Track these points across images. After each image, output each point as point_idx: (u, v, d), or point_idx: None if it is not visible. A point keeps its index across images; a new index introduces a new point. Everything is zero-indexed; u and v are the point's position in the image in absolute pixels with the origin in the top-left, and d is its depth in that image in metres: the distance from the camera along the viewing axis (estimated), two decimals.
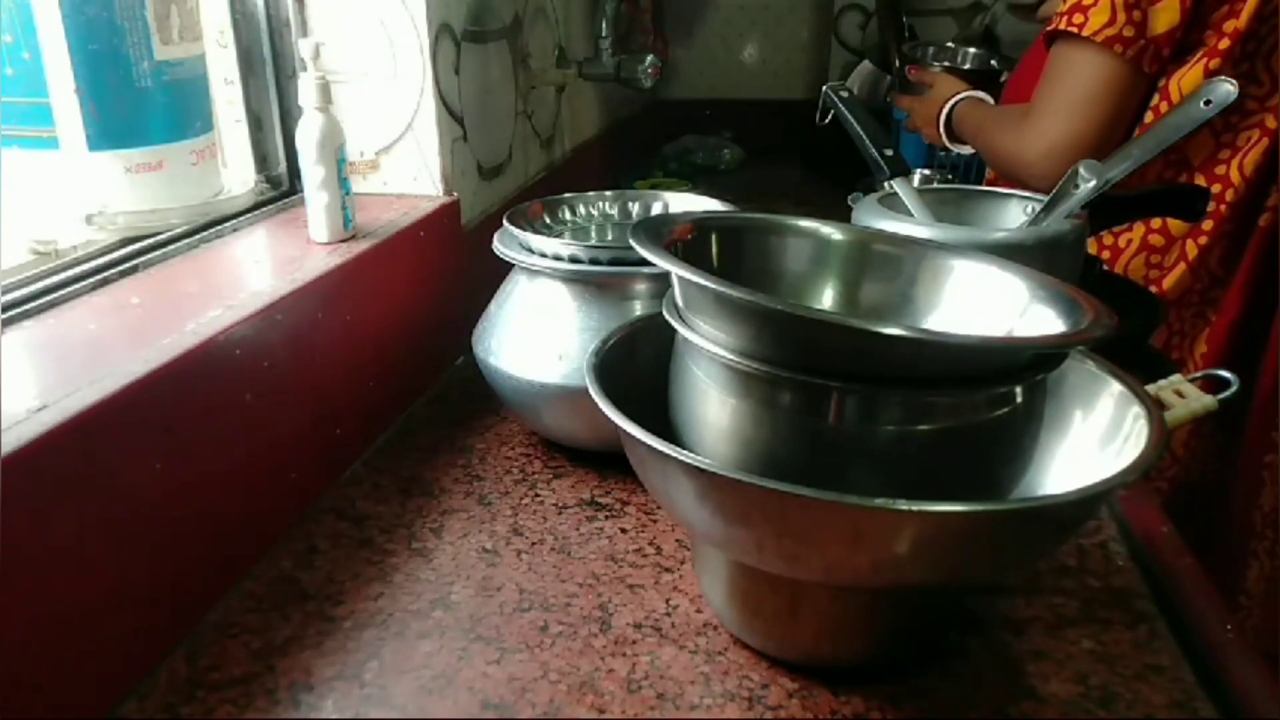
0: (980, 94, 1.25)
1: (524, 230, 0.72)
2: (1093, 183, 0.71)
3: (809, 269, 0.58)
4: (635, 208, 0.84)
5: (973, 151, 1.25)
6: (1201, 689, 0.51)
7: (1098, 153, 0.96)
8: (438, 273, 0.88)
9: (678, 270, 0.45)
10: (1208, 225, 0.99)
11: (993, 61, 1.47)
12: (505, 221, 0.75)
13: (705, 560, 0.55)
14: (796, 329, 0.43)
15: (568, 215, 0.83)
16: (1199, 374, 0.65)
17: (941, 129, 1.26)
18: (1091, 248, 1.07)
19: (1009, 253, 0.56)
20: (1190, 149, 1.00)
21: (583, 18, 1.44)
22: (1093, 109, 0.96)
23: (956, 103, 1.23)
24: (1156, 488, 1.07)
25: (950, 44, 1.58)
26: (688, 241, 0.54)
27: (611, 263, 0.69)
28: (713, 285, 0.43)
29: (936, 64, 1.48)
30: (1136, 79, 0.96)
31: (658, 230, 0.52)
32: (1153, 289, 1.04)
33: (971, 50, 1.53)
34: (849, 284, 0.57)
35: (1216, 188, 0.98)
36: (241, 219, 0.81)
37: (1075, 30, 0.95)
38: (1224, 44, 0.94)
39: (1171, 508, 1.05)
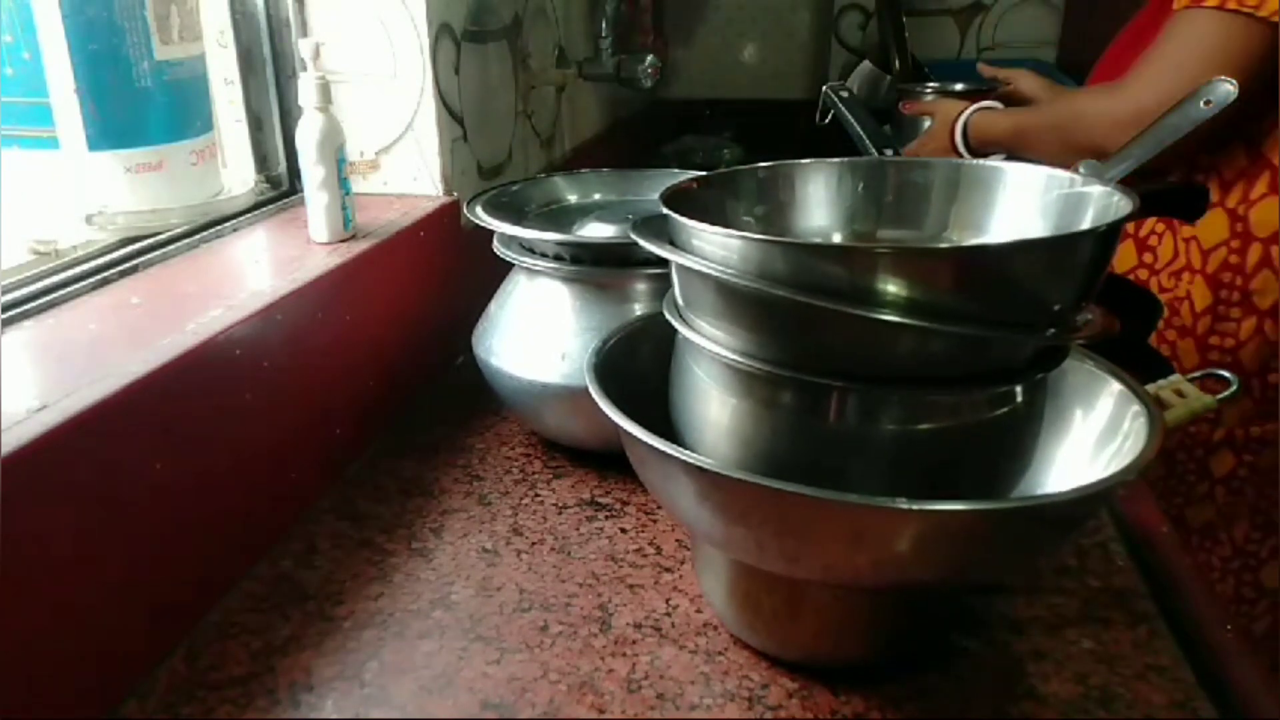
0: (991, 102, 1.17)
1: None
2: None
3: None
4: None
5: (1004, 157, 1.15)
6: (1201, 689, 0.51)
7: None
8: (438, 273, 0.88)
9: (676, 259, 0.45)
10: None
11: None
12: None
13: (705, 560, 0.55)
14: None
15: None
16: (1198, 374, 0.65)
17: (960, 147, 1.16)
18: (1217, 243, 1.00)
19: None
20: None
21: (583, 18, 1.44)
22: (1214, 70, 0.85)
23: (970, 114, 1.15)
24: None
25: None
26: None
27: (612, 261, 0.69)
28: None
29: (929, 92, 1.38)
30: (1273, 41, 0.87)
31: (659, 229, 0.52)
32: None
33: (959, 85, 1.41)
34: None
35: None
36: (241, 219, 0.81)
37: (1236, 8, 0.87)
38: None
39: None
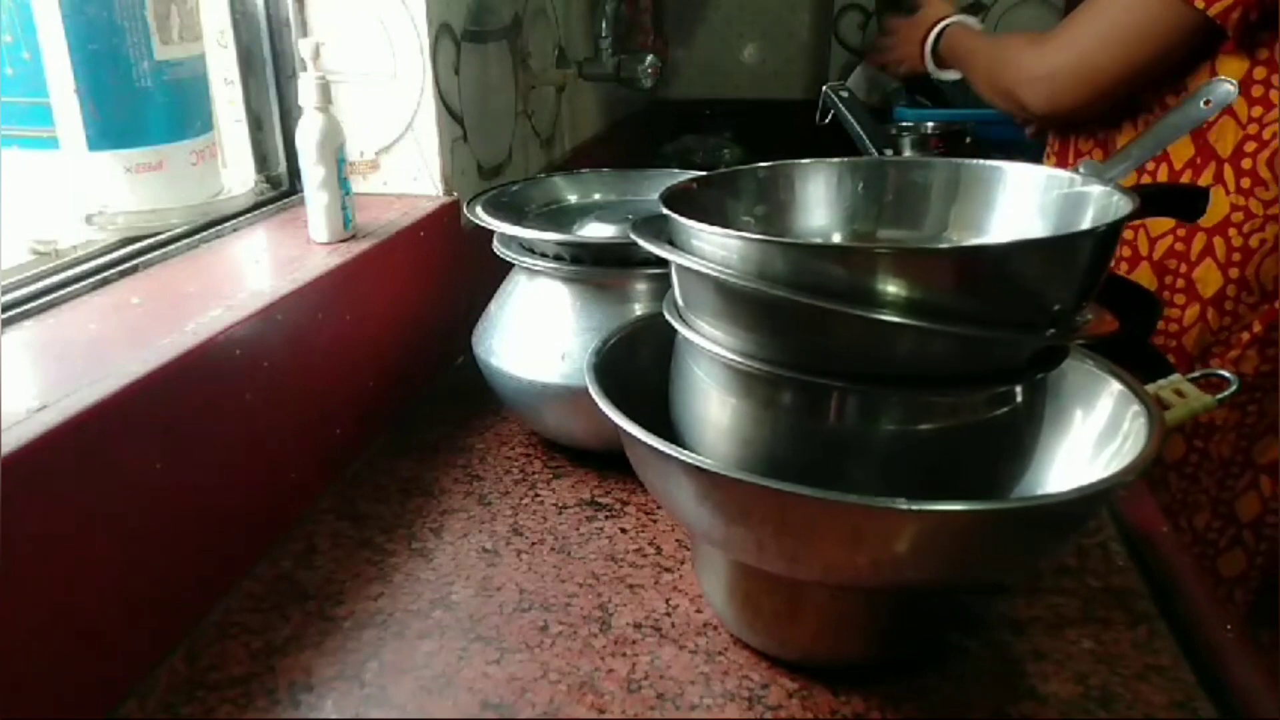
0: (971, 19, 1.22)
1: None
2: None
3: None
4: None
5: (958, 77, 1.22)
6: (1201, 689, 0.51)
7: (1108, 94, 0.93)
8: (438, 273, 0.88)
9: (676, 259, 0.45)
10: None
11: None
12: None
13: (705, 560, 0.55)
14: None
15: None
16: (1198, 374, 0.65)
17: (928, 52, 1.22)
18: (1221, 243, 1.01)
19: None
20: None
21: (583, 18, 1.44)
22: (1130, 47, 0.91)
23: (947, 25, 1.20)
24: None
25: None
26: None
27: (612, 261, 0.69)
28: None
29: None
30: (1194, 26, 0.90)
31: (659, 229, 0.52)
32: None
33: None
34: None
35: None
36: (241, 219, 0.81)
37: None
38: None
39: None
